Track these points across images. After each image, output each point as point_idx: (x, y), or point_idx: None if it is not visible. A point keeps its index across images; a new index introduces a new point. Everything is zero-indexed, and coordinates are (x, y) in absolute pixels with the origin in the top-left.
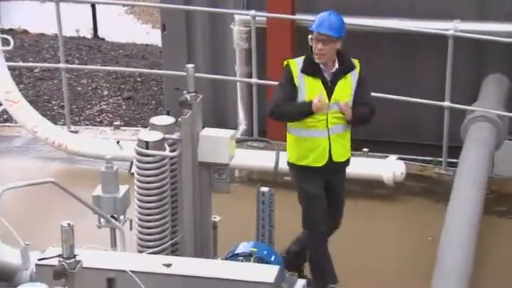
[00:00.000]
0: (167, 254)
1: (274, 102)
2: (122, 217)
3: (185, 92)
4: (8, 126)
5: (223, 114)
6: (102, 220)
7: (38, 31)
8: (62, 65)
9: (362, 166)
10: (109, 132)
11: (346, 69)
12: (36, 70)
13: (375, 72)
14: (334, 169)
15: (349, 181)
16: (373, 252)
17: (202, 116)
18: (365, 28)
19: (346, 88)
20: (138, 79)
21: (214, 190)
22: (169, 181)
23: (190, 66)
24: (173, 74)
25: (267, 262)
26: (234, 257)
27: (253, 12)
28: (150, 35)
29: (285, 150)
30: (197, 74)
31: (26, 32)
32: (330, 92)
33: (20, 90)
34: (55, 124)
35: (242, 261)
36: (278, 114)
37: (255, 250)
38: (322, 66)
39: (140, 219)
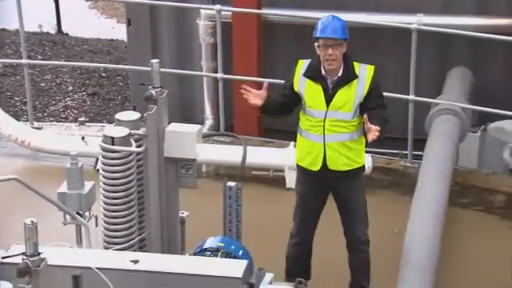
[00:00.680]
0: (134, 250)
1: None
2: (87, 213)
3: (150, 87)
4: None
5: (190, 109)
6: (68, 217)
7: None
8: (24, 60)
9: None
10: (74, 128)
11: (348, 77)
12: None
13: None
14: (334, 177)
15: None
16: (340, 245)
17: (169, 111)
18: None
19: (348, 97)
20: (103, 74)
21: (181, 185)
22: (135, 177)
23: (154, 61)
24: (138, 69)
25: (235, 257)
26: (201, 252)
27: (218, 6)
28: (115, 30)
29: (251, 144)
30: (162, 69)
31: None
32: (328, 100)
33: None
34: (18, 120)
35: (210, 256)
36: None
37: (223, 244)
38: (324, 72)
39: (106, 215)
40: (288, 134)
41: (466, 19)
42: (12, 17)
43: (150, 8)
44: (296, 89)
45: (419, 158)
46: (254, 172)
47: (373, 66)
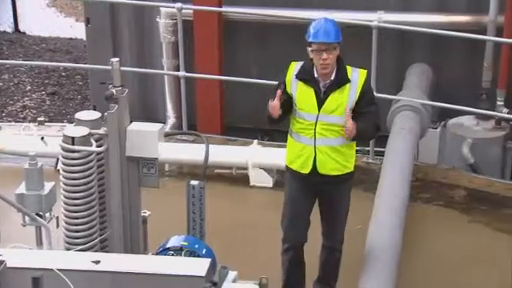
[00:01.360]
0: (96, 251)
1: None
2: (47, 214)
3: (110, 86)
4: None
5: (152, 108)
6: (27, 218)
7: None
8: None
9: None
10: (33, 128)
11: (341, 81)
12: None
13: None
14: (323, 181)
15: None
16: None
17: (130, 110)
18: (292, 20)
19: (340, 101)
20: (63, 74)
21: (142, 184)
22: (96, 176)
23: (114, 59)
24: (98, 68)
25: (198, 256)
26: (164, 251)
27: (179, 5)
28: (74, 29)
29: (214, 143)
30: (123, 68)
31: None
32: (320, 103)
33: None
34: None
35: (173, 255)
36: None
37: (186, 243)
38: (317, 75)
39: (67, 216)
40: (251, 132)
41: (425, 16)
42: None
43: (109, 6)
44: (288, 90)
45: (381, 154)
46: (217, 170)
47: (365, 71)
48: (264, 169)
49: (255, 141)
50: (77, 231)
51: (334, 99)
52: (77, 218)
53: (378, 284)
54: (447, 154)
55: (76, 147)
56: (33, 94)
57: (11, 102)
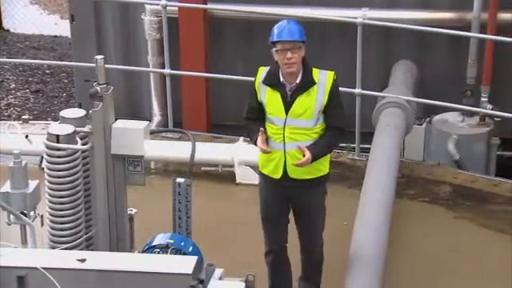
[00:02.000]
0: (81, 249)
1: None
2: (32, 213)
3: (95, 84)
4: None
5: (137, 106)
6: (12, 217)
7: None
8: None
9: None
10: (17, 126)
11: (306, 84)
12: None
13: None
14: (295, 185)
15: None
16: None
17: (116, 108)
18: (277, 17)
19: (308, 104)
20: (47, 71)
21: (128, 182)
22: (81, 174)
23: (99, 57)
24: (83, 66)
25: (185, 254)
26: (150, 249)
27: (164, 2)
28: (59, 26)
29: (200, 140)
30: (107, 66)
31: None
32: (287, 107)
33: None
34: None
35: (159, 253)
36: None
37: (172, 241)
38: (282, 79)
39: (52, 214)
40: (237, 129)
41: (410, 13)
42: None
43: (93, 3)
44: (258, 97)
45: (367, 150)
46: (203, 168)
47: (333, 72)
48: (250, 166)
49: (241, 138)
50: (62, 229)
51: (300, 103)
52: (62, 217)
53: (363, 281)
54: (432, 151)
55: (61, 145)
56: (17, 92)
57: None
